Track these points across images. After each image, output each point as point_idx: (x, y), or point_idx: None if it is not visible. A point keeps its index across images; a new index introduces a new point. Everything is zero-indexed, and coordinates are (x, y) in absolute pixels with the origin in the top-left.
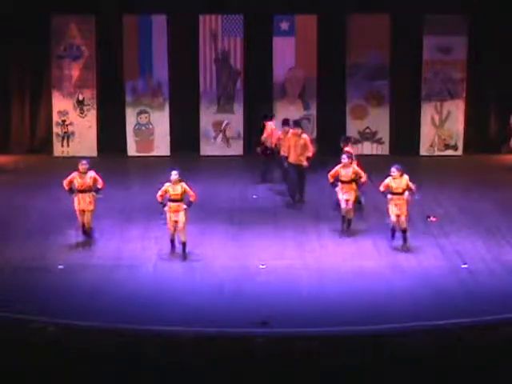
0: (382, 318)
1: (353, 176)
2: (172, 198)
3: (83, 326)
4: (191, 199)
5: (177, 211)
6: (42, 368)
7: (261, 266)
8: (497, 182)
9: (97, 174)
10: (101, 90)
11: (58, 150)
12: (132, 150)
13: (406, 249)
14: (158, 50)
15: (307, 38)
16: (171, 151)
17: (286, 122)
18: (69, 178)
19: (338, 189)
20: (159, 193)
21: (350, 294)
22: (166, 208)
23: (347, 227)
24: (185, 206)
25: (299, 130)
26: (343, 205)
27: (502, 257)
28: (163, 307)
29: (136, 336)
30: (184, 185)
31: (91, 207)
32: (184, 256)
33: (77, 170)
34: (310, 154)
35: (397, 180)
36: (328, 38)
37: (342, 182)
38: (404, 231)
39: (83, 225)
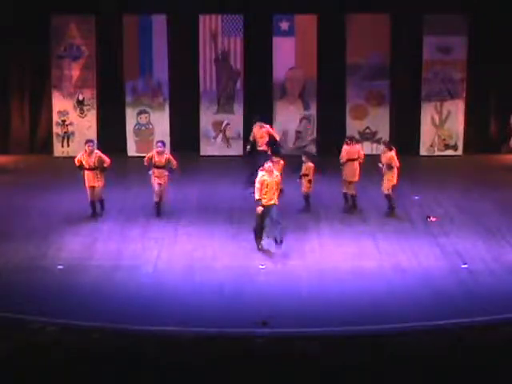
0: (382, 317)
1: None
2: (157, 164)
3: (83, 325)
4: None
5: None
6: (42, 368)
7: (261, 267)
8: (497, 181)
9: (102, 153)
10: (101, 90)
11: (58, 150)
12: (132, 150)
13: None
14: (158, 50)
15: (307, 38)
16: (171, 151)
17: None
18: (77, 157)
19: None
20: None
21: (350, 294)
22: (151, 172)
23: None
24: (162, 171)
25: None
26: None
27: (502, 257)
28: (163, 307)
29: (136, 336)
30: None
31: (100, 183)
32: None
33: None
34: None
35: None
36: (328, 38)
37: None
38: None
39: (92, 200)
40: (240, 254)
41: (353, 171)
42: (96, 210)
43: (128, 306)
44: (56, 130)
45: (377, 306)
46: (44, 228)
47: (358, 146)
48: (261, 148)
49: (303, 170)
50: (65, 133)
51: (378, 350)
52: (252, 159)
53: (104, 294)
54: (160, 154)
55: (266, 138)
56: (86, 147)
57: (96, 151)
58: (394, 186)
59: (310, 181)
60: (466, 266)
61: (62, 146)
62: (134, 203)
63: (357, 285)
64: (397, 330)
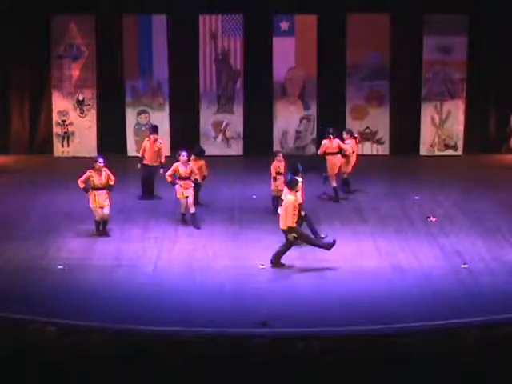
0: (382, 317)
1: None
2: (182, 176)
3: (83, 326)
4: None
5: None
6: (42, 368)
7: (261, 267)
8: (497, 181)
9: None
10: (101, 90)
11: (58, 149)
12: (132, 149)
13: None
14: (157, 50)
15: (307, 38)
16: (171, 151)
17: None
18: (84, 176)
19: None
20: (169, 172)
21: (350, 294)
22: (178, 186)
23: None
24: (188, 183)
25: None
26: None
27: (502, 257)
28: (163, 307)
29: (136, 336)
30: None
31: (107, 203)
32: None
33: (92, 167)
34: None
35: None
36: (328, 38)
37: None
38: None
39: (99, 222)
40: (240, 254)
41: (332, 165)
42: (100, 228)
43: (128, 305)
44: (56, 129)
45: (377, 306)
46: (44, 228)
47: (337, 141)
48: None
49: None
50: (65, 133)
51: (378, 350)
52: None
53: (104, 294)
54: (184, 164)
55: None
56: (96, 165)
57: (104, 169)
58: (347, 173)
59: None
60: (465, 265)
61: (62, 146)
62: (134, 203)
63: (357, 285)
64: (397, 330)
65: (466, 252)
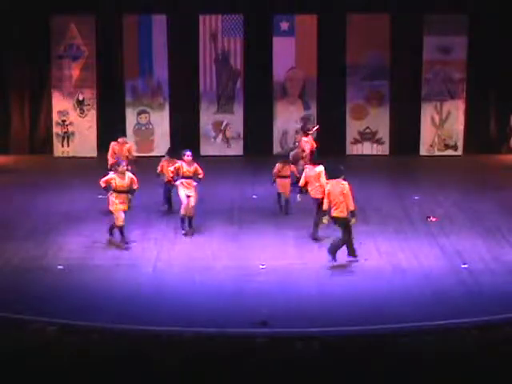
0: (382, 317)
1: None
2: (185, 175)
3: (83, 325)
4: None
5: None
6: (42, 368)
7: (261, 267)
8: (497, 181)
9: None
10: (101, 90)
11: (58, 149)
12: (132, 149)
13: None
14: (157, 50)
15: (307, 38)
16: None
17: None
18: (106, 177)
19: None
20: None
21: (350, 294)
22: (178, 183)
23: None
24: (191, 182)
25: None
26: None
27: (502, 257)
28: (163, 307)
29: (136, 336)
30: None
31: (127, 206)
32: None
33: (114, 170)
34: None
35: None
36: (328, 38)
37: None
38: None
39: (120, 225)
40: (240, 254)
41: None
42: (113, 234)
43: (128, 305)
44: (56, 129)
45: (377, 306)
46: (44, 228)
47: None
48: None
49: None
50: (65, 133)
51: (378, 350)
52: None
53: (104, 294)
54: (189, 163)
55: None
56: (120, 168)
57: (128, 172)
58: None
59: None
60: (466, 266)
61: (62, 146)
62: (134, 203)
63: (357, 285)
64: (397, 330)
65: (466, 252)
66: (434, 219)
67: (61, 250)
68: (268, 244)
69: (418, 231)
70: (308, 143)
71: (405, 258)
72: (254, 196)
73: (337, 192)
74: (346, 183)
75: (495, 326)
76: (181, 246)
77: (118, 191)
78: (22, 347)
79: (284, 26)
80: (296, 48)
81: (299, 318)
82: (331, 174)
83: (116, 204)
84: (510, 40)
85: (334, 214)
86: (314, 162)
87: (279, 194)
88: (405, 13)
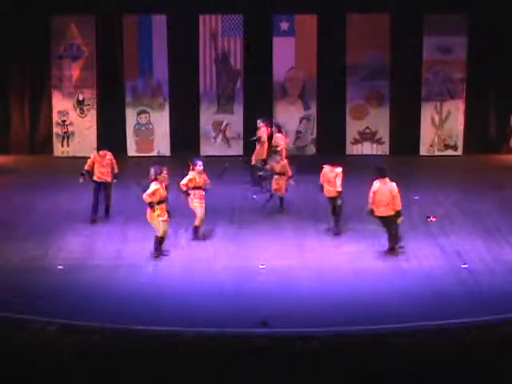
0: (382, 317)
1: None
2: (197, 186)
3: (83, 325)
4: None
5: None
6: (42, 368)
7: (261, 266)
8: (497, 182)
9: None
10: (101, 90)
11: (58, 149)
12: (132, 150)
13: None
14: (157, 50)
15: (307, 38)
16: (171, 151)
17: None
18: (151, 189)
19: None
20: (184, 182)
21: (350, 294)
22: (193, 196)
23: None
24: (202, 193)
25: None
26: None
27: (502, 257)
28: (163, 307)
29: (136, 336)
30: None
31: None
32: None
33: (155, 179)
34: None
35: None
36: (328, 38)
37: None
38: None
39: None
40: (240, 254)
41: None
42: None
43: (128, 305)
44: (56, 129)
45: (377, 306)
46: (44, 228)
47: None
48: None
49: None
50: (65, 133)
51: (378, 350)
52: None
53: (104, 294)
54: (200, 173)
55: None
56: (161, 176)
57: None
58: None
59: None
60: (466, 266)
61: (62, 146)
62: (134, 203)
63: (357, 285)
64: (397, 330)
65: (466, 252)
66: (434, 219)
67: (61, 250)
68: (268, 244)
69: (417, 231)
70: (282, 139)
71: (405, 258)
72: (254, 196)
73: (384, 191)
74: (394, 184)
75: (495, 325)
76: (181, 246)
77: (162, 202)
78: (22, 347)
79: (284, 26)
80: (296, 48)
81: (299, 318)
82: (379, 174)
83: (160, 215)
84: (510, 40)
85: (378, 213)
86: (333, 163)
87: (271, 194)
88: (405, 13)
